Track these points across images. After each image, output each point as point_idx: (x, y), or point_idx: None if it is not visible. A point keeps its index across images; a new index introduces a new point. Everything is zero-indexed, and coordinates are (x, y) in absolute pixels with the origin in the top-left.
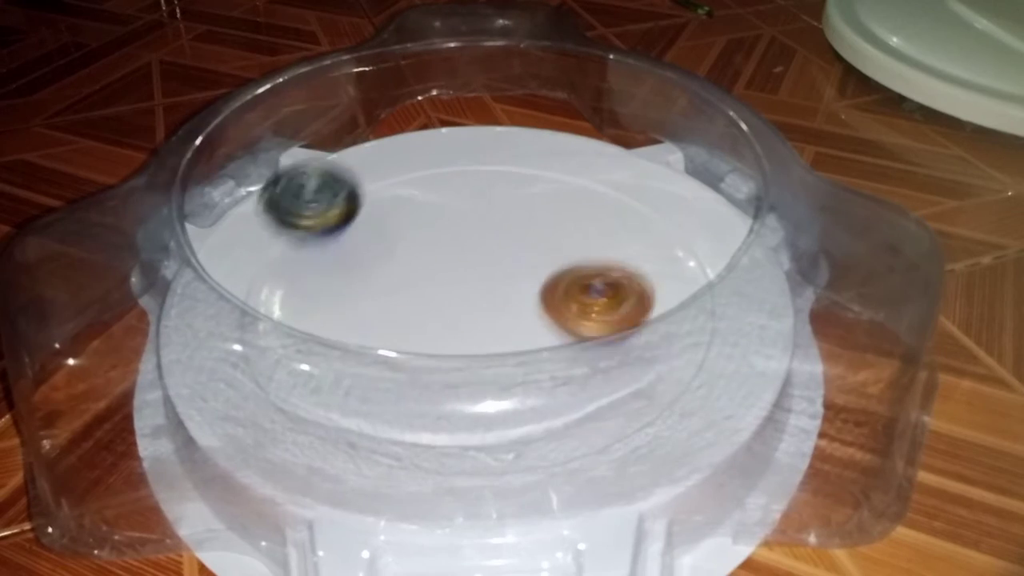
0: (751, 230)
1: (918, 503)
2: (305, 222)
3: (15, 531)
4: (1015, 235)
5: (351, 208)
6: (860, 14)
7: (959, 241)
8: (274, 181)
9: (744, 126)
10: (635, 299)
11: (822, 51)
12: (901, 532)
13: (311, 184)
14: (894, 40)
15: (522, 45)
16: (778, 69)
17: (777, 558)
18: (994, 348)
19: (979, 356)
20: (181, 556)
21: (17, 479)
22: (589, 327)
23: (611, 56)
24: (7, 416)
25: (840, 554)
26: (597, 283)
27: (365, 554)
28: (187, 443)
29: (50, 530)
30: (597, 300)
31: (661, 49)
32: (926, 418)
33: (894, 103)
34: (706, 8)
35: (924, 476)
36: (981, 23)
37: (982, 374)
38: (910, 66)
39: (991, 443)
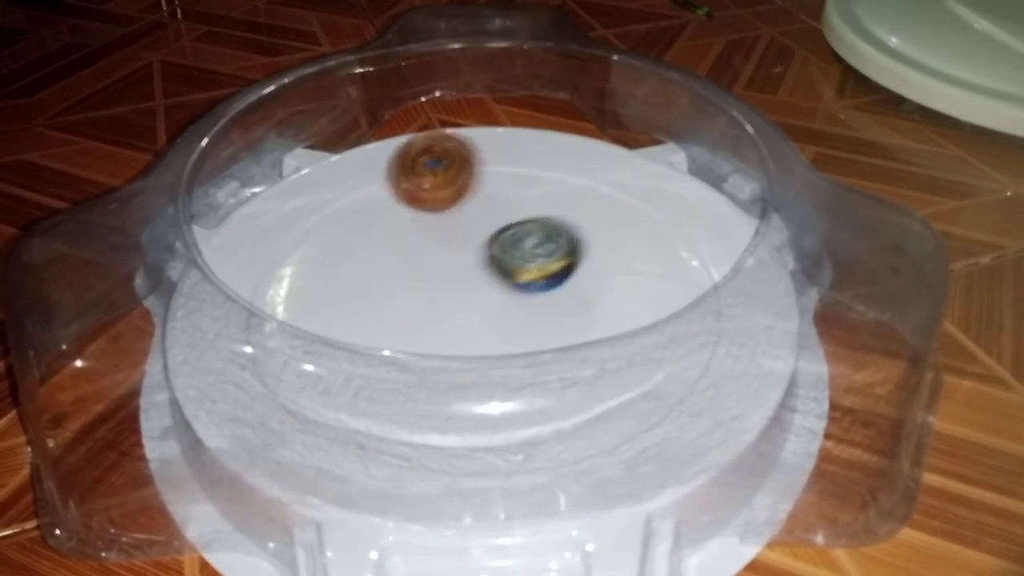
0: (757, 231)
1: (918, 503)
2: (525, 276)
3: (17, 530)
4: (1014, 235)
5: (571, 260)
6: (859, 15)
7: (958, 241)
8: (497, 235)
9: (749, 127)
10: (460, 167)
11: (821, 51)
12: (901, 531)
13: (532, 238)
14: (893, 40)
15: (525, 46)
16: (777, 69)
17: (778, 558)
18: (993, 348)
19: (978, 356)
20: (183, 556)
21: (20, 478)
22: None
23: (614, 57)
24: (10, 415)
25: (840, 554)
26: (426, 160)
27: (373, 555)
28: (195, 444)
29: (58, 532)
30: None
31: (661, 50)
32: (931, 419)
33: (893, 103)
34: (706, 9)
35: (924, 476)
36: (980, 24)
37: (981, 374)
38: (909, 66)
39: (990, 443)
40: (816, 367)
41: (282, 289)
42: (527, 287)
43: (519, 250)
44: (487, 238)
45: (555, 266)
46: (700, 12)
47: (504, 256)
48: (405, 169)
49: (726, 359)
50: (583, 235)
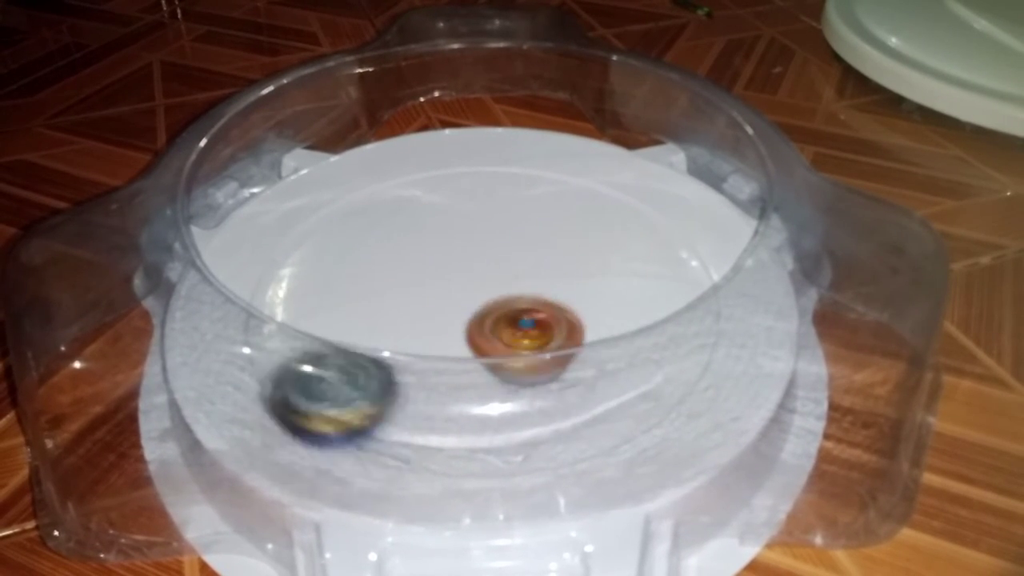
0: (756, 231)
1: (918, 503)
2: (323, 426)
3: (16, 530)
4: (1014, 235)
5: (382, 405)
6: (859, 15)
7: (958, 241)
8: (280, 376)
9: (748, 127)
10: (565, 334)
11: (821, 52)
12: (901, 532)
13: (330, 376)
14: (893, 40)
15: (524, 46)
16: (777, 70)
17: (777, 558)
18: (993, 348)
19: (978, 356)
20: (182, 557)
21: (19, 478)
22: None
23: (614, 57)
24: (9, 415)
25: (840, 554)
26: (526, 318)
27: (372, 556)
28: (194, 446)
29: (56, 533)
30: (527, 334)
31: (661, 50)
32: (931, 419)
33: (893, 103)
34: (705, 9)
35: (924, 476)
36: (980, 23)
37: (981, 374)
38: (909, 66)
39: (990, 443)
40: (815, 368)
41: (281, 290)
42: (317, 441)
43: (312, 393)
44: (270, 377)
45: (355, 417)
46: (700, 12)
47: (290, 400)
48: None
49: (725, 360)
50: (394, 375)
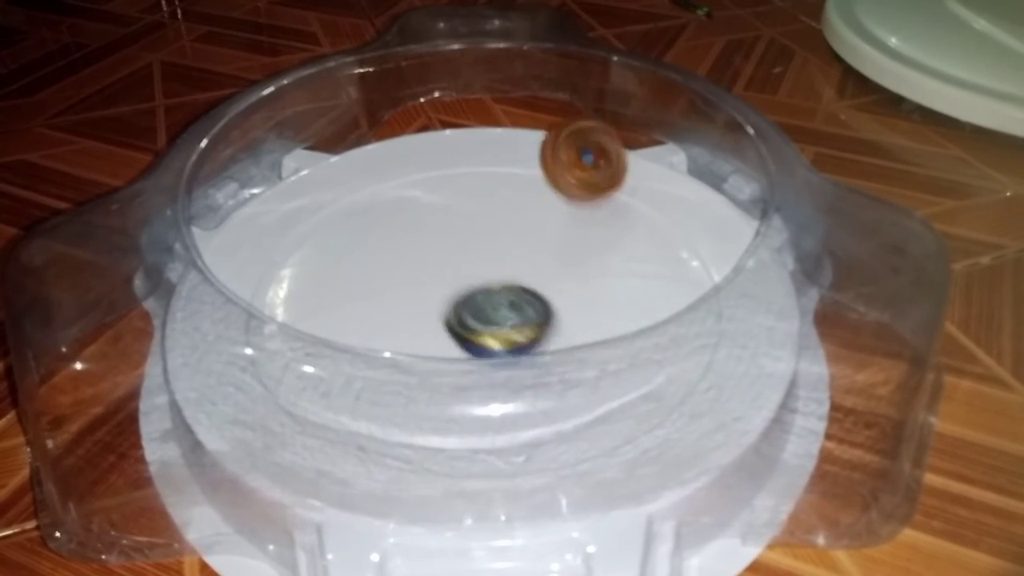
0: (758, 232)
1: (919, 503)
2: (490, 341)
3: (16, 531)
4: (1014, 235)
5: (538, 333)
6: (859, 15)
7: (958, 241)
8: (460, 301)
9: (749, 128)
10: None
11: (821, 52)
12: (902, 532)
13: (500, 302)
14: (893, 41)
15: (525, 47)
16: (777, 70)
17: (779, 559)
18: (993, 348)
19: (978, 356)
20: (183, 558)
21: (19, 478)
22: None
23: (614, 57)
24: (10, 415)
25: (840, 554)
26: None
27: (374, 557)
28: (195, 447)
29: (57, 534)
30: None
31: (660, 50)
32: (932, 419)
33: (893, 103)
34: (705, 9)
35: (925, 476)
36: (980, 23)
37: (981, 374)
38: (909, 67)
39: (990, 443)
40: (817, 368)
41: (282, 291)
42: (488, 354)
43: (485, 316)
44: (450, 302)
45: (521, 336)
46: (700, 12)
47: (467, 320)
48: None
49: (727, 360)
50: (553, 306)
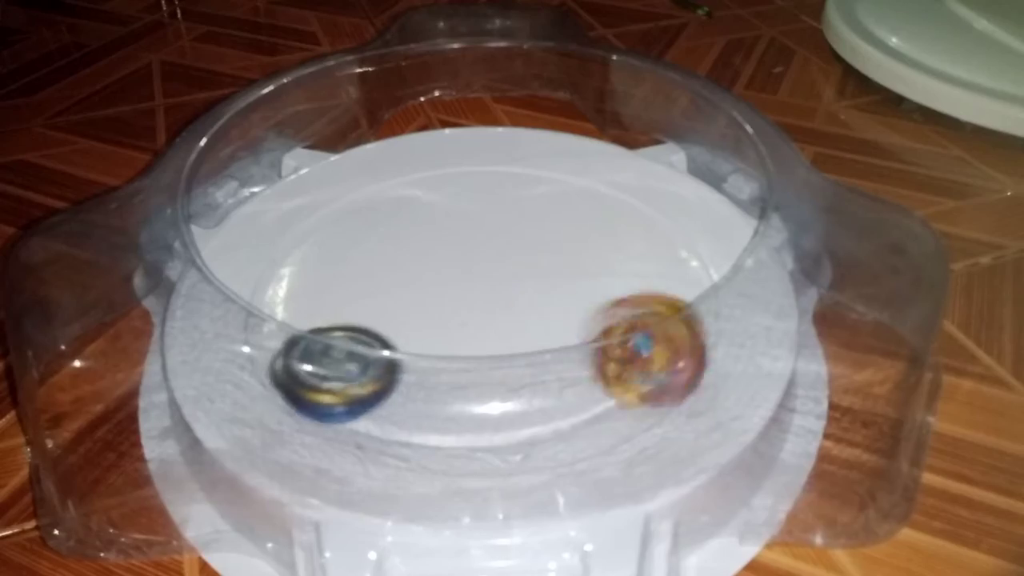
0: (756, 231)
1: (918, 503)
2: (326, 398)
3: (16, 531)
4: (1014, 235)
5: (388, 379)
6: (859, 15)
7: (958, 241)
8: (288, 345)
9: (748, 127)
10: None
11: (821, 51)
12: (901, 532)
13: (335, 352)
14: (893, 40)
15: (525, 46)
16: (777, 70)
17: (777, 558)
18: (993, 348)
19: (978, 356)
20: (182, 556)
21: (19, 478)
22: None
23: (614, 57)
24: (9, 415)
25: (840, 554)
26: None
27: (372, 555)
28: (194, 445)
29: (56, 532)
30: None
31: (660, 50)
32: (931, 419)
33: (893, 103)
34: (705, 9)
35: (924, 476)
36: (980, 23)
37: (981, 374)
38: (909, 66)
39: (990, 443)
40: (815, 367)
41: (281, 289)
42: (321, 414)
43: (320, 366)
44: (279, 348)
45: (361, 391)
46: (700, 12)
47: (297, 372)
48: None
49: (725, 359)
50: (397, 351)
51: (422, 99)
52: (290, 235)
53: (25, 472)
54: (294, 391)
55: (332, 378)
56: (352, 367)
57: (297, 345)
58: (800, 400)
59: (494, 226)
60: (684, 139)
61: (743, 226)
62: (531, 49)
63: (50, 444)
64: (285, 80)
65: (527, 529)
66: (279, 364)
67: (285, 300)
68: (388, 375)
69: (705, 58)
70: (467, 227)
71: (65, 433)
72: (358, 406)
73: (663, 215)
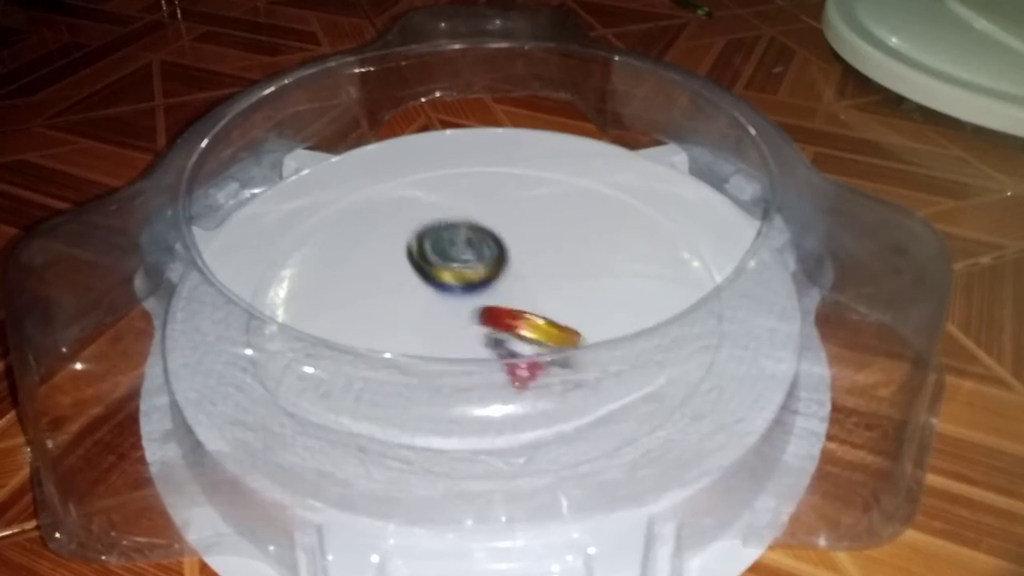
0: (759, 232)
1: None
2: (447, 276)
3: (16, 531)
4: (1014, 235)
5: (491, 272)
6: (859, 15)
7: (958, 241)
8: (422, 233)
9: (750, 128)
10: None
11: (821, 52)
12: (903, 533)
13: (459, 238)
14: (893, 40)
15: (526, 46)
16: (777, 70)
17: (780, 560)
18: (993, 348)
19: (979, 356)
20: (183, 559)
21: (19, 478)
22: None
23: (615, 57)
24: (9, 415)
25: (841, 555)
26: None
27: (375, 558)
28: (195, 448)
29: (58, 535)
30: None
31: (660, 50)
32: (934, 420)
33: (893, 103)
34: (705, 9)
35: (925, 476)
36: (980, 23)
37: (981, 374)
38: (909, 66)
39: (991, 443)
40: (818, 369)
41: (283, 291)
42: (443, 288)
43: (443, 252)
44: (414, 231)
45: (474, 275)
46: (700, 12)
47: (427, 254)
48: None
49: (728, 361)
50: (507, 247)
51: (423, 100)
52: (291, 236)
53: (25, 472)
54: (424, 269)
55: (454, 260)
56: (469, 255)
57: (428, 233)
58: (803, 402)
59: (495, 227)
60: (685, 140)
61: (745, 227)
62: (532, 50)
63: (50, 445)
64: (286, 81)
65: (530, 532)
66: (414, 246)
67: (286, 301)
68: (498, 263)
69: (705, 58)
70: None
71: (65, 435)
72: (472, 286)
73: (665, 216)
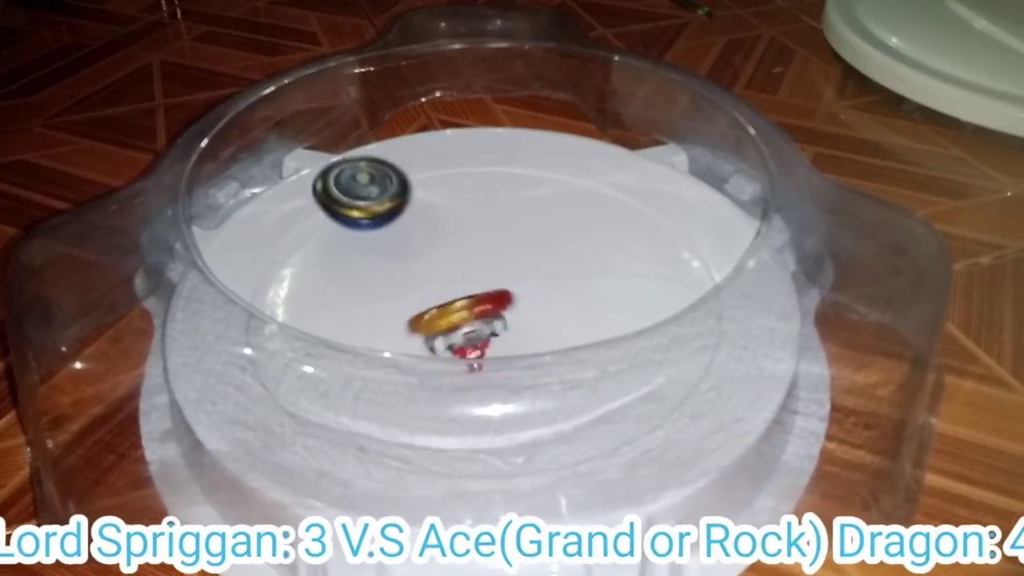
0: (758, 232)
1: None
2: (355, 213)
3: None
4: (1014, 235)
5: (402, 199)
6: (859, 15)
7: (958, 241)
8: (324, 172)
9: (750, 128)
10: None
11: (821, 52)
12: None
13: (362, 175)
14: (893, 40)
15: (526, 47)
16: (777, 70)
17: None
18: (993, 348)
19: (979, 356)
20: None
21: (19, 478)
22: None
23: (615, 57)
24: (9, 415)
25: None
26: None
27: (374, 558)
28: (195, 447)
29: None
30: None
31: (661, 50)
32: (933, 420)
33: (893, 103)
34: (706, 9)
35: (925, 476)
36: (980, 23)
37: (981, 374)
38: (909, 66)
39: (990, 443)
40: (818, 369)
41: (283, 291)
42: (354, 224)
43: (348, 188)
44: (318, 171)
45: (382, 207)
46: (700, 12)
47: (333, 192)
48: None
49: (727, 361)
50: (409, 178)
51: (423, 100)
52: (291, 236)
53: (25, 472)
54: (331, 208)
55: (360, 198)
56: (373, 189)
57: (331, 171)
58: (802, 402)
59: (495, 227)
60: (685, 140)
61: (745, 227)
62: (532, 49)
63: (50, 445)
64: (286, 81)
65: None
66: (319, 185)
67: (286, 301)
68: (402, 195)
69: (705, 58)
70: (468, 228)
71: (65, 434)
72: (379, 219)
73: (665, 216)
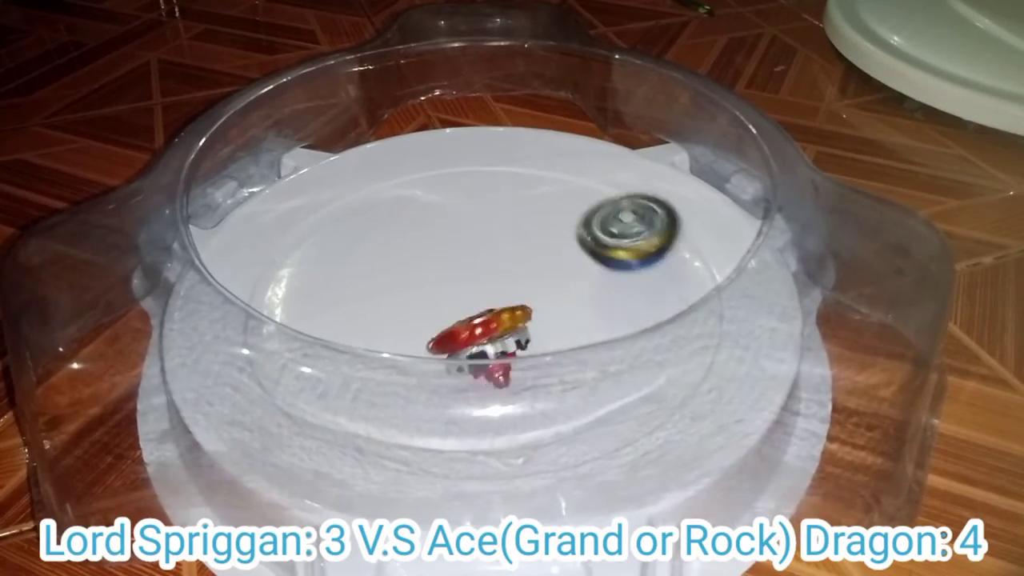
0: (760, 232)
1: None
2: (621, 253)
3: (14, 532)
4: (1017, 235)
5: (665, 240)
6: (861, 13)
7: (961, 241)
8: (590, 216)
9: (751, 127)
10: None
11: (823, 50)
12: None
13: (627, 216)
14: (895, 39)
15: (526, 45)
16: (779, 68)
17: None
18: (996, 348)
19: (981, 356)
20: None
21: (16, 479)
22: None
23: (616, 56)
24: (7, 416)
25: None
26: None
27: (372, 559)
28: (192, 448)
29: None
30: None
31: (662, 48)
32: (935, 421)
33: (895, 102)
34: (707, 7)
35: (927, 477)
36: (982, 22)
37: (984, 374)
38: (911, 65)
39: (992, 443)
40: (819, 369)
41: (280, 290)
42: (620, 265)
43: (613, 229)
44: (580, 217)
45: (650, 246)
46: (701, 10)
47: (597, 236)
48: None
49: (728, 362)
50: (678, 213)
51: (422, 98)
52: (290, 236)
53: (23, 473)
54: (598, 252)
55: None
56: (640, 228)
57: (596, 214)
58: (804, 403)
59: (494, 226)
60: (686, 139)
61: (746, 226)
62: (532, 48)
63: (48, 446)
64: (284, 79)
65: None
66: (584, 232)
67: (284, 301)
68: (670, 229)
69: (706, 56)
70: (467, 227)
71: (63, 435)
72: (649, 259)
73: None
